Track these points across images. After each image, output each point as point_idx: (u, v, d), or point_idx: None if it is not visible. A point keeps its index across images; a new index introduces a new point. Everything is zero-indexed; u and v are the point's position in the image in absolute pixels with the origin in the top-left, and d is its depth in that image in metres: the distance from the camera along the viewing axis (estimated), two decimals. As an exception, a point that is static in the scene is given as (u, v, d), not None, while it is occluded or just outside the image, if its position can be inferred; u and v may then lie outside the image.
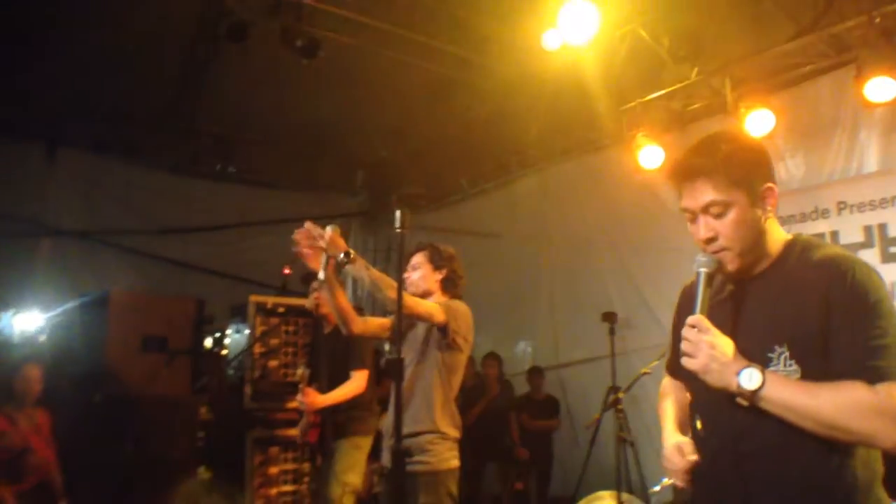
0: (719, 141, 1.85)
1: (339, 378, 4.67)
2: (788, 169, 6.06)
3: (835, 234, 5.62)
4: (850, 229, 5.55)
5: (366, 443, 4.76)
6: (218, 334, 6.90)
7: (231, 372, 6.54)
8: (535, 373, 7.57)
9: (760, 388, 1.67)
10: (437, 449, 3.42)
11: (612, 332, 5.60)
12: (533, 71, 6.31)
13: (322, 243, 3.28)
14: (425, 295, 3.63)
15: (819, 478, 1.72)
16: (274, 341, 6.00)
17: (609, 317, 5.66)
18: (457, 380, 3.59)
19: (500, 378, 7.48)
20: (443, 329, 3.46)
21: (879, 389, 1.62)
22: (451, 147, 7.92)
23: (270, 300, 6.07)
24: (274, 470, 5.90)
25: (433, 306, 3.45)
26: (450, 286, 3.71)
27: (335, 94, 6.77)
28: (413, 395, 3.46)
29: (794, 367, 1.73)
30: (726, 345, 1.74)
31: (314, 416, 4.69)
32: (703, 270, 1.83)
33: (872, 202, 5.45)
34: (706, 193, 1.79)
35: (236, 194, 8.28)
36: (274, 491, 5.88)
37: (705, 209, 1.81)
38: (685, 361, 1.78)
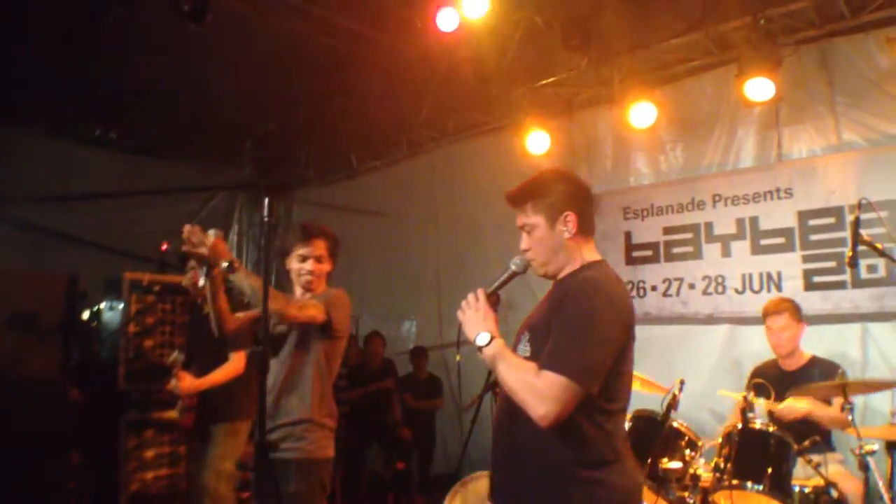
0: (538, 178, 2.46)
1: (218, 359, 4.53)
2: (668, 160, 6.29)
3: (709, 225, 5.86)
4: (723, 221, 5.79)
5: (244, 427, 4.65)
6: (91, 311, 6.58)
7: (104, 352, 6.26)
8: (419, 353, 7.60)
9: (483, 346, 2.30)
10: (312, 437, 3.36)
11: (495, 312, 5.65)
12: (427, 51, 6.25)
13: (204, 250, 3.14)
14: (318, 289, 3.57)
15: (532, 447, 2.24)
16: (150, 320, 5.77)
17: (493, 298, 5.71)
18: (337, 364, 3.55)
19: (383, 357, 7.48)
20: (324, 326, 3.40)
21: (542, 373, 2.14)
22: (342, 123, 7.78)
23: (146, 277, 5.82)
24: (149, 453, 5.70)
25: (314, 312, 3.36)
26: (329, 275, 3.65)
27: (224, 62, 6.52)
28: (291, 384, 3.39)
29: (528, 348, 2.33)
30: (487, 315, 2.38)
31: (190, 399, 4.55)
32: (512, 267, 2.46)
33: (746, 196, 5.71)
34: (521, 217, 2.44)
35: (117, 162, 7.87)
36: (150, 475, 5.69)
37: (521, 228, 2.45)
38: (458, 313, 2.42)
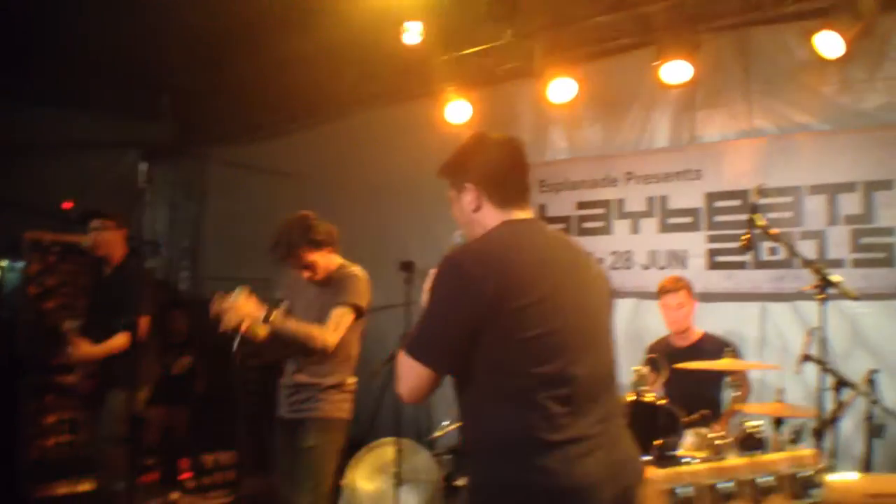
0: (456, 150, 2.43)
1: (119, 323, 4.44)
2: (586, 137, 6.36)
3: (621, 202, 5.99)
4: (635, 198, 5.92)
5: (143, 394, 4.59)
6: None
7: (4, 313, 6.05)
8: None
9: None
10: (331, 398, 3.89)
11: (408, 281, 5.65)
12: (352, 14, 6.13)
13: (237, 314, 3.48)
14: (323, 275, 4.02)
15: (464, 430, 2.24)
16: (51, 282, 5.60)
17: (407, 266, 5.71)
18: (358, 333, 4.07)
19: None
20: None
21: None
22: (263, 83, 7.59)
23: (48, 236, 5.62)
24: (50, 419, 5.57)
25: (344, 322, 3.84)
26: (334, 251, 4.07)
27: (143, 14, 6.25)
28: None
29: None
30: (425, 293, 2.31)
31: (90, 365, 4.46)
32: (456, 240, 2.44)
33: (657, 175, 5.84)
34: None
35: (21, 113, 7.48)
36: (51, 441, 5.56)
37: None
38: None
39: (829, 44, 4.85)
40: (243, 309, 3.49)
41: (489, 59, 6.46)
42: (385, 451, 5.24)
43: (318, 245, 3.94)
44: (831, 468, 3.80)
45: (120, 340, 4.38)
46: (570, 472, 1.99)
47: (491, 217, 2.30)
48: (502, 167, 2.35)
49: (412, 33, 5.92)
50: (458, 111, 6.30)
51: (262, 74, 7.38)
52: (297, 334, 3.67)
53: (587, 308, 2.24)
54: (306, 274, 3.95)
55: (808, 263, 4.20)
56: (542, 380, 2.04)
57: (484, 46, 6.27)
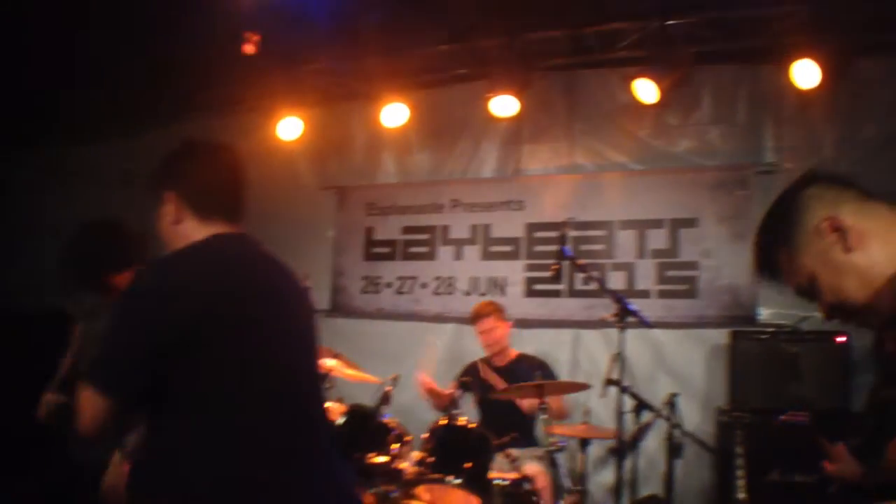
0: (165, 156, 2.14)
1: None
2: (416, 162, 6.42)
3: (446, 229, 6.06)
4: (459, 226, 6.02)
5: None
6: None
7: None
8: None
9: None
10: None
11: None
12: (191, 19, 5.86)
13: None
14: None
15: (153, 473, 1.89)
16: None
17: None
18: None
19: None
20: None
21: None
22: (90, 81, 7.08)
23: None
24: None
25: None
26: None
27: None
28: None
29: None
30: None
31: None
32: None
33: (482, 204, 5.98)
34: None
35: None
36: None
37: None
38: None
39: (646, 90, 5.17)
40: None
41: (326, 78, 6.39)
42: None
43: (123, 265, 2.92)
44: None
45: None
46: None
47: (192, 231, 2.02)
48: (210, 177, 2.09)
49: (251, 44, 5.73)
50: (290, 127, 6.15)
51: (91, 72, 6.88)
52: None
53: (293, 331, 2.04)
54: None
55: (609, 293, 4.35)
56: (246, 410, 1.83)
57: (321, 65, 6.20)
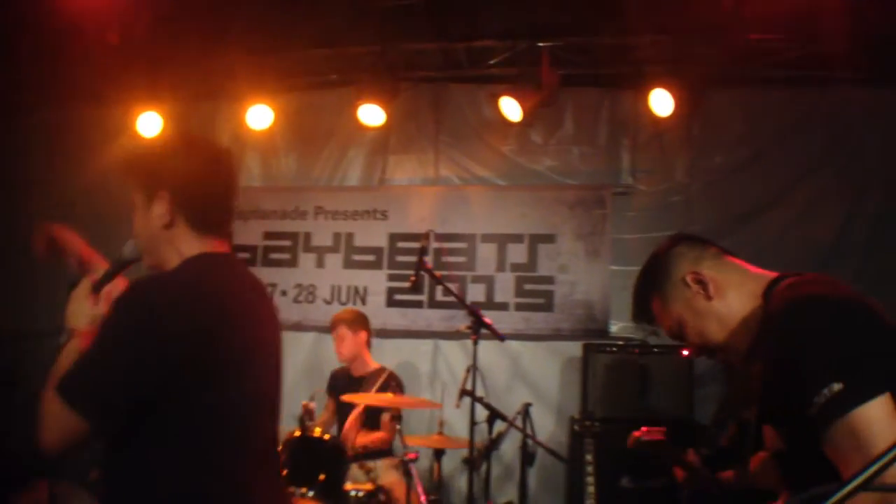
0: (149, 146, 2.11)
1: None
2: (280, 166, 6.28)
3: (308, 235, 5.96)
4: (322, 233, 5.93)
5: None
6: None
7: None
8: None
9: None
10: None
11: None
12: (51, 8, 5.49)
13: None
14: None
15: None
16: None
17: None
18: None
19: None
20: None
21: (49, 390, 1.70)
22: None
23: None
24: None
25: None
26: None
27: None
28: None
29: None
30: (78, 308, 1.91)
31: None
32: (123, 253, 1.98)
33: (346, 212, 5.92)
34: None
35: None
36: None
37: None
38: None
39: (512, 108, 5.28)
40: None
41: (191, 74, 6.14)
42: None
43: None
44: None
45: None
46: None
47: (184, 240, 1.88)
48: (208, 182, 1.92)
49: (114, 34, 5.44)
50: (149, 124, 5.86)
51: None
52: None
53: (273, 360, 1.97)
54: None
55: (464, 305, 4.38)
56: (227, 441, 1.76)
57: (188, 61, 5.95)
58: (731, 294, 1.80)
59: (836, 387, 1.40)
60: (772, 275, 1.80)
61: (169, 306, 1.69)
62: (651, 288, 1.93)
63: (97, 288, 1.92)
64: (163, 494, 1.70)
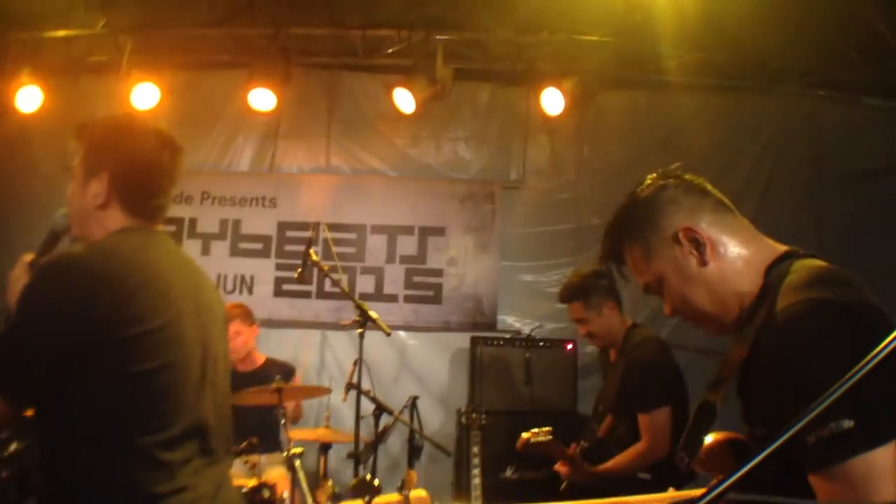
0: (100, 120, 1.96)
1: None
2: (162, 150, 6.00)
3: (194, 221, 5.75)
4: (208, 219, 5.74)
5: None
6: None
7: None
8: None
9: None
10: None
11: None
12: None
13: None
14: None
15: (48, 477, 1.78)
16: None
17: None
18: None
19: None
20: None
21: None
22: None
23: None
24: None
25: None
26: None
27: None
28: None
29: None
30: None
31: None
32: (50, 225, 2.00)
33: (234, 199, 5.76)
34: None
35: None
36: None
37: None
38: None
39: (405, 100, 5.26)
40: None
41: (73, 48, 5.80)
42: None
43: None
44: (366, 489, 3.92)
45: None
46: None
47: (115, 222, 1.85)
48: (149, 171, 1.90)
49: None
50: (29, 98, 5.50)
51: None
52: None
53: (207, 340, 1.89)
54: None
55: (349, 297, 4.31)
56: (149, 421, 1.69)
57: (72, 32, 5.60)
58: (729, 261, 1.49)
59: (847, 424, 1.15)
60: (779, 248, 1.52)
61: (86, 276, 1.66)
62: (628, 236, 1.61)
63: (34, 264, 1.91)
64: (84, 474, 1.67)
